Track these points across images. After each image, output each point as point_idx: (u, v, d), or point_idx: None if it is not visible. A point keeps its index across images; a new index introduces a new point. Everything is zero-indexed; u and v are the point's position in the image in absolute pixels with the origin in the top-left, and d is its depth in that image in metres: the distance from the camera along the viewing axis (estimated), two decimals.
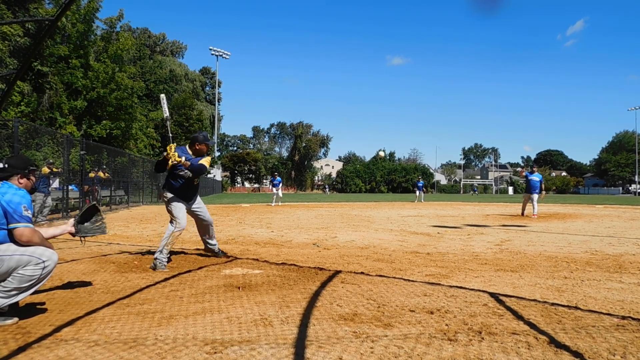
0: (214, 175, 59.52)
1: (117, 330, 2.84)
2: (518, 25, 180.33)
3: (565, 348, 2.53)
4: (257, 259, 5.71)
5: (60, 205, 13.67)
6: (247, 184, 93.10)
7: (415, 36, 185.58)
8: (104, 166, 18.21)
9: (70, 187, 13.73)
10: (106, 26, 28.78)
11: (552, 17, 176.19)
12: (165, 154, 5.23)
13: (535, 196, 14.77)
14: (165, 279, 4.45)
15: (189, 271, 4.89)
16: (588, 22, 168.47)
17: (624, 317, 3.17)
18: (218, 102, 61.61)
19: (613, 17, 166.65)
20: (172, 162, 5.15)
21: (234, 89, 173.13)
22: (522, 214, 15.41)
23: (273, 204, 22.42)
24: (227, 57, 60.43)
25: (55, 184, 13.63)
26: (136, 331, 2.83)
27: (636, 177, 79.03)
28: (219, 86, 63.90)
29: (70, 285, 4.16)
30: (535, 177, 14.96)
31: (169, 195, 5.33)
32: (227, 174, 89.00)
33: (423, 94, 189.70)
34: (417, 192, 31.82)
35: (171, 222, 5.28)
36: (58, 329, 2.87)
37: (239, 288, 4.05)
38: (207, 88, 67.49)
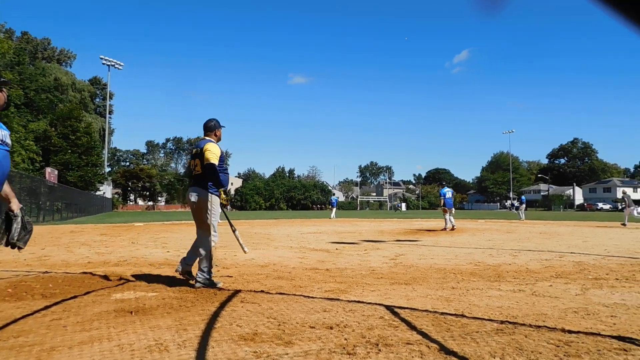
0: (104, 192, 55.66)
1: None
2: (410, 50, 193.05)
3: (454, 354, 2.71)
4: (151, 281, 5.42)
5: None
6: (140, 202, 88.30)
7: (316, 57, 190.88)
8: None
9: None
10: None
11: (440, 45, 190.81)
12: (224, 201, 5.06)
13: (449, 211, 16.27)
14: (46, 307, 4.05)
15: (75, 297, 4.50)
16: (472, 52, 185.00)
17: (502, 322, 3.47)
18: (109, 114, 58.16)
19: (493, 49, 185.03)
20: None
21: (127, 102, 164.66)
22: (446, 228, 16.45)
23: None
24: (120, 67, 57.30)
25: None
26: None
27: (510, 193, 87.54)
28: (111, 98, 60.42)
29: None
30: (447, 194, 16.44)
31: (216, 200, 5.01)
32: (119, 190, 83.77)
33: (322, 113, 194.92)
34: (333, 209, 32.89)
35: (205, 233, 4.98)
36: None
37: (131, 313, 3.80)
38: (98, 99, 63.53)
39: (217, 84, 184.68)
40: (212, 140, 5.12)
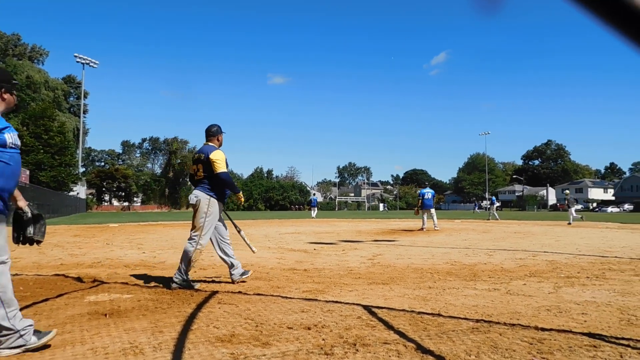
0: (77, 193, 54.54)
1: None
2: (389, 51, 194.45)
3: (430, 353, 2.74)
4: (126, 283, 5.34)
5: None
6: (115, 202, 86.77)
7: (295, 57, 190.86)
8: None
9: None
10: None
11: (419, 47, 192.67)
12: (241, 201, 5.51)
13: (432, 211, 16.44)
14: None
15: (47, 300, 4.40)
16: (450, 54, 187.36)
17: (477, 321, 3.52)
18: (84, 113, 57.06)
19: (471, 51, 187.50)
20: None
21: (102, 101, 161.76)
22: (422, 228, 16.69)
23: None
24: (95, 66, 56.19)
25: None
26: None
27: (486, 194, 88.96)
28: (85, 97, 59.27)
29: None
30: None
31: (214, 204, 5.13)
32: (93, 191, 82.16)
33: (301, 113, 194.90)
34: (315, 210, 33.62)
35: (195, 236, 5.05)
36: None
37: (105, 315, 3.74)
38: (72, 98, 62.23)
39: (195, 83, 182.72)
40: (215, 146, 5.26)
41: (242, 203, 5.17)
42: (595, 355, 2.70)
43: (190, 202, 5.10)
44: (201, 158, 5.10)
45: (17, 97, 3.19)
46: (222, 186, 5.10)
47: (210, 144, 5.28)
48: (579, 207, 21.98)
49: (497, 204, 28.82)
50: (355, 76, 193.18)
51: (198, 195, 5.02)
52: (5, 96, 2.97)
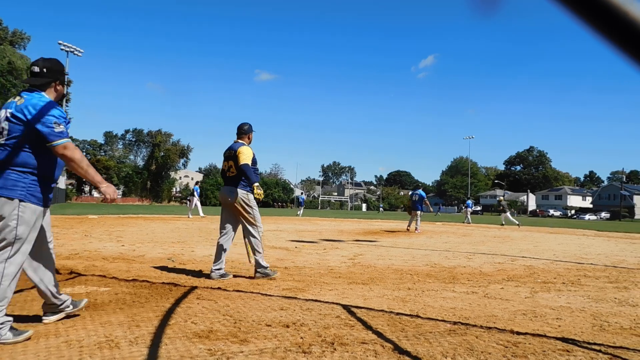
0: (57, 183, 53.59)
1: None
2: (377, 51, 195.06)
3: (407, 354, 2.76)
4: (104, 276, 5.27)
5: None
6: (95, 194, 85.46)
7: (283, 54, 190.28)
8: None
9: None
10: None
11: (407, 49, 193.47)
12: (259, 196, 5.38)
13: (418, 213, 16.55)
14: None
15: (21, 291, 4.31)
16: (437, 58, 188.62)
17: (455, 323, 3.56)
18: (66, 102, 56.10)
19: (459, 56, 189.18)
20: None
21: (85, 90, 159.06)
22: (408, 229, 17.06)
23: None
24: (80, 54, 55.24)
25: None
26: None
27: (468, 198, 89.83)
28: (69, 85, 58.28)
29: None
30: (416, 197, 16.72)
31: (251, 198, 5.38)
32: (73, 181, 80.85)
33: (287, 111, 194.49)
34: (301, 208, 34.18)
35: (253, 227, 5.37)
36: None
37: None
38: None
39: (182, 77, 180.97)
40: (245, 143, 5.56)
41: (261, 197, 5.39)
42: (567, 359, 2.75)
43: (230, 199, 5.32)
44: (231, 154, 5.38)
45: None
46: (243, 176, 5.31)
47: (240, 141, 5.58)
48: (507, 213, 24.75)
49: (471, 209, 29.22)
50: (343, 76, 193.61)
51: (235, 192, 5.30)
52: (59, 87, 3.20)
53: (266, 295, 4.46)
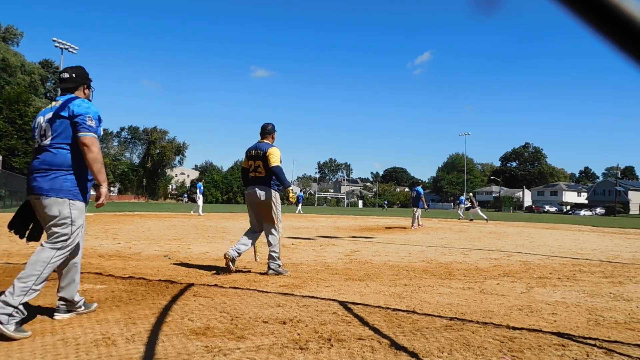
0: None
1: None
2: (373, 49, 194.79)
3: (404, 349, 2.77)
4: (100, 273, 5.26)
5: None
6: (92, 191, 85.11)
7: (279, 51, 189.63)
8: None
9: None
10: None
11: (404, 45, 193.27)
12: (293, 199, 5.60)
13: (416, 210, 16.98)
14: None
15: None
16: (434, 54, 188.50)
17: (451, 318, 3.57)
18: None
19: (455, 52, 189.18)
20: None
21: None
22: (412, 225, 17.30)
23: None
24: (74, 51, 54.81)
25: None
26: None
27: (464, 194, 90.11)
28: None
29: None
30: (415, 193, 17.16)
31: (278, 197, 5.58)
32: None
33: (283, 108, 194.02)
34: (299, 205, 34.74)
35: (276, 225, 5.57)
36: None
37: None
38: (49, 83, 60.76)
39: (178, 74, 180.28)
40: (270, 143, 5.72)
41: (293, 200, 5.64)
42: (563, 354, 2.76)
43: (261, 198, 5.49)
44: (259, 154, 5.53)
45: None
46: (276, 178, 5.52)
47: (265, 141, 5.70)
48: (477, 208, 25.40)
49: (464, 205, 29.46)
50: (339, 72, 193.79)
51: (265, 191, 5.49)
52: (86, 91, 3.50)
53: (263, 292, 4.46)
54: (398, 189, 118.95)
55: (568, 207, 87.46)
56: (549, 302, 4.36)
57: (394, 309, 3.84)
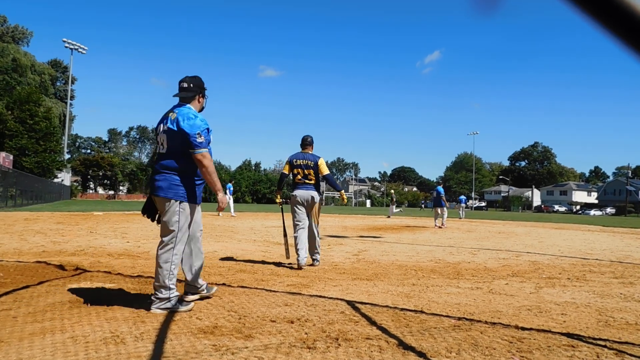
0: (62, 180, 53.84)
1: None
2: (382, 47, 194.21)
3: (412, 349, 2.76)
4: (109, 272, 5.30)
5: None
6: (101, 191, 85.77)
7: (288, 51, 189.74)
8: None
9: None
10: None
11: (413, 44, 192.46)
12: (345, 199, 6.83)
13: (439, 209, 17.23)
14: None
15: (27, 287, 4.35)
16: (443, 53, 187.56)
17: (459, 318, 3.55)
18: (70, 99, 56.28)
19: (465, 51, 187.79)
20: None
21: (90, 87, 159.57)
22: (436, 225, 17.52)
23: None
24: (84, 52, 55.36)
25: None
26: None
27: (472, 193, 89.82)
28: (73, 82, 58.42)
29: None
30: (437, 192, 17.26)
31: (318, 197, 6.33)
32: (79, 178, 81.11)
33: (291, 107, 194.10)
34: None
35: (318, 224, 6.44)
36: None
37: (87, 304, 3.71)
38: (59, 83, 61.24)
39: (185, 73, 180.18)
40: (311, 152, 6.44)
41: (345, 201, 6.74)
42: (573, 355, 2.74)
43: (313, 201, 6.28)
44: (310, 164, 6.24)
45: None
46: (329, 185, 6.48)
47: (307, 151, 6.43)
48: (393, 206, 27.16)
49: (464, 204, 29.44)
50: (347, 72, 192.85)
51: (316, 194, 6.28)
52: (201, 100, 3.86)
53: (270, 291, 4.47)
54: (406, 189, 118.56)
55: (578, 207, 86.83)
56: (558, 302, 4.32)
57: (402, 309, 3.83)
